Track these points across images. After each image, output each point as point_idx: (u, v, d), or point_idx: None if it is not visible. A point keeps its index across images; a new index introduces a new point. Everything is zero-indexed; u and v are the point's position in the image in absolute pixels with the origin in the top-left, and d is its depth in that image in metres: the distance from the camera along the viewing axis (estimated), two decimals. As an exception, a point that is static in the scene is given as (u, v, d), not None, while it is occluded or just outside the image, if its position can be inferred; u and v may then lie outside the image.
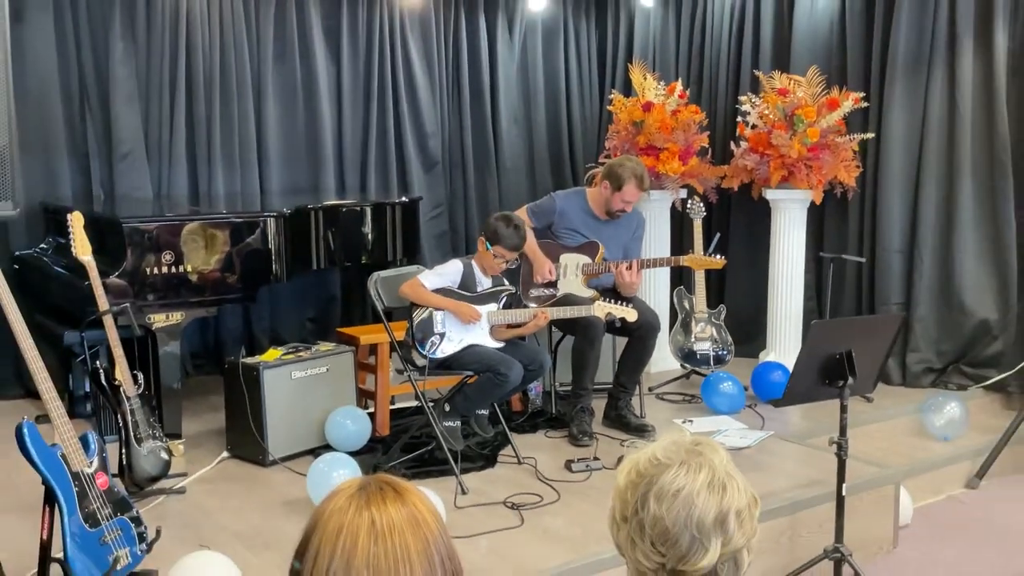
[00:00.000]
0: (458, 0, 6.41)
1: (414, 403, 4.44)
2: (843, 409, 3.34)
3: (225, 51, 5.54)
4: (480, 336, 4.09)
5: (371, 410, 4.47)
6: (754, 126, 5.42)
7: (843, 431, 3.33)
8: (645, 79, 5.75)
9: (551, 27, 6.78)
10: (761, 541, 3.47)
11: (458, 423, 4.15)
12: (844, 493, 3.37)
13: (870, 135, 5.39)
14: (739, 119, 5.62)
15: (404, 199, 5.42)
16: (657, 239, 5.61)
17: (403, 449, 4.16)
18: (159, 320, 4.11)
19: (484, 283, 4.16)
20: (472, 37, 6.48)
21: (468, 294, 4.11)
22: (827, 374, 3.30)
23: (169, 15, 5.34)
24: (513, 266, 4.26)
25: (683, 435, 1.54)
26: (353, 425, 4.17)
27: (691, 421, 4.70)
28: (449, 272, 4.13)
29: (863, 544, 3.72)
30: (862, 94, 5.29)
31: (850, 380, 3.27)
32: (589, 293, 4.48)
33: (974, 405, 4.98)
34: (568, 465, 4.06)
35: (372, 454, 4.17)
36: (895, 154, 5.36)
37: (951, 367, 5.32)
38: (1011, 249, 5.04)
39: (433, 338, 4.02)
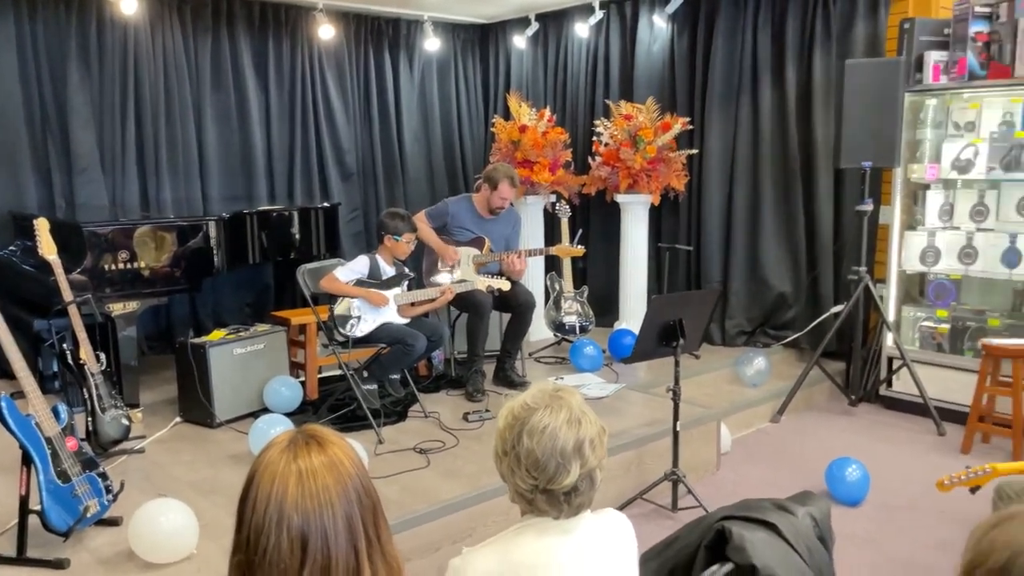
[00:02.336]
0: (367, 40, 6.32)
1: (338, 372, 4.40)
2: (676, 364, 3.45)
3: (168, 79, 5.32)
4: (390, 315, 4.09)
5: (302, 379, 4.41)
6: (606, 144, 5.52)
7: (677, 381, 3.45)
8: (520, 106, 5.79)
9: (444, 63, 6.76)
10: (616, 469, 3.63)
11: (375, 386, 4.15)
12: (678, 429, 3.48)
13: (695, 151, 5.51)
14: (595, 138, 5.68)
15: (325, 204, 5.34)
16: (532, 234, 5.66)
17: (330, 409, 4.13)
18: (117, 308, 3.97)
19: (388, 272, 4.16)
20: (379, 70, 6.40)
21: (375, 282, 4.10)
22: (664, 337, 3.40)
23: (118, 49, 5.10)
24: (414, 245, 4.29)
25: (547, 384, 1.58)
26: (287, 391, 4.11)
27: (562, 378, 4.76)
28: (358, 266, 4.10)
29: (693, 468, 3.85)
30: (688, 119, 5.41)
31: (681, 341, 3.39)
32: (479, 278, 4.52)
33: (776, 359, 5.16)
34: (465, 416, 4.10)
35: (304, 414, 4.12)
36: (714, 165, 5.51)
37: (758, 330, 5.49)
38: (801, 237, 5.23)
39: (352, 321, 3.99)
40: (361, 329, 4.00)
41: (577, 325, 5.24)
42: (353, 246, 6.16)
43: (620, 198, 5.53)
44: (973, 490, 2.65)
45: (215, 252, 4.37)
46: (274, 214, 4.93)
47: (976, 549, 0.98)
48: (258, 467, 1.13)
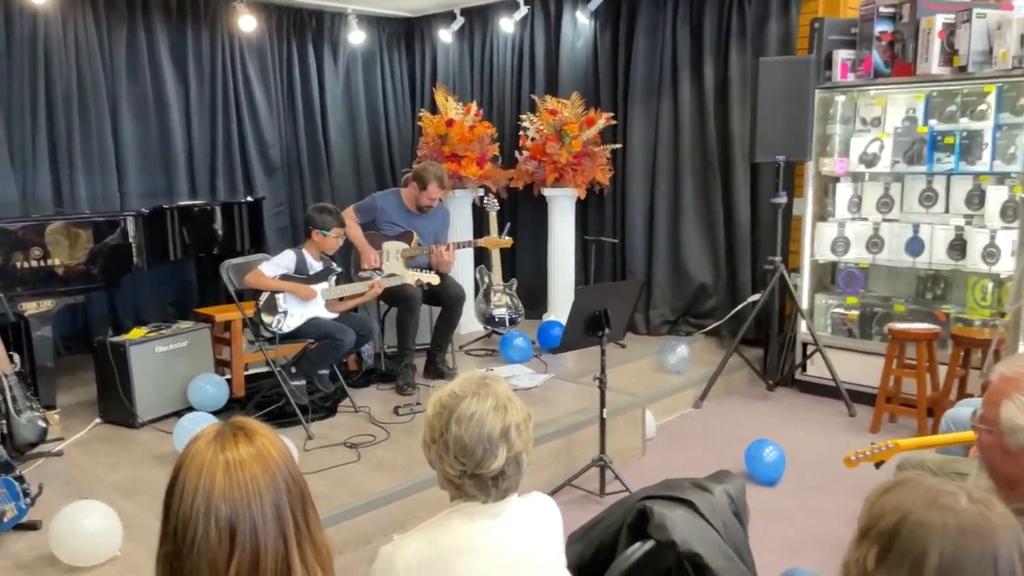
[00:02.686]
0: (290, 31, 6.22)
1: (265, 369, 4.35)
2: (603, 353, 3.53)
3: (82, 71, 5.11)
4: (318, 310, 4.07)
5: (228, 376, 4.34)
6: (533, 138, 5.58)
7: (603, 370, 3.53)
8: (447, 100, 5.80)
9: (369, 57, 6.70)
10: (546, 457, 3.70)
11: (303, 382, 4.12)
12: (605, 416, 3.57)
13: (618, 145, 5.61)
14: (521, 133, 5.74)
15: (249, 199, 5.24)
16: (461, 227, 5.67)
17: (257, 406, 4.08)
18: (31, 308, 3.82)
19: (315, 266, 4.13)
20: (303, 63, 6.30)
21: (303, 277, 4.07)
22: (590, 327, 3.48)
23: (27, 41, 4.88)
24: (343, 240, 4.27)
25: (474, 373, 1.61)
26: (212, 389, 4.04)
27: (492, 370, 4.79)
28: (284, 261, 4.06)
29: (620, 453, 3.95)
30: (612, 114, 5.52)
31: (607, 331, 3.47)
32: (408, 271, 4.51)
33: (698, 346, 5.31)
34: (396, 410, 4.11)
35: (230, 412, 4.05)
36: (636, 160, 5.62)
37: (681, 319, 5.63)
38: (720, 230, 5.40)
39: (278, 316, 3.95)
40: (288, 325, 3.97)
41: (507, 317, 5.29)
42: (279, 241, 6.06)
43: (547, 192, 5.60)
44: (878, 465, 2.82)
45: (134, 249, 4.25)
46: (196, 209, 4.82)
47: (870, 513, 1.06)
48: (185, 458, 1.14)
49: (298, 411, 3.82)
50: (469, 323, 5.52)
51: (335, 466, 3.42)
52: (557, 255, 5.69)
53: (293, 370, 4.11)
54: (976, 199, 4.53)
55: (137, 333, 4.04)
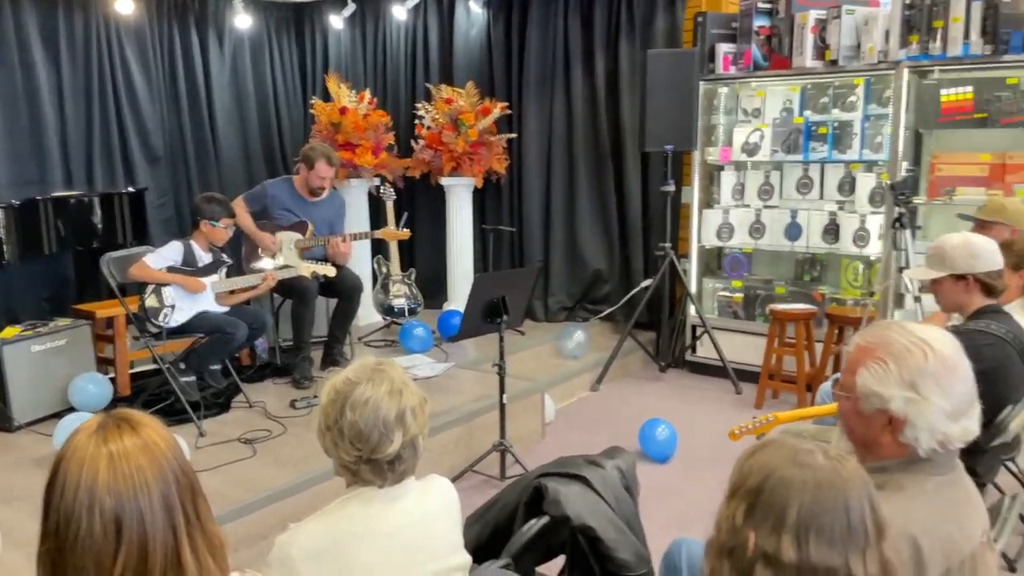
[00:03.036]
0: (171, 15, 5.95)
1: (153, 365, 4.19)
2: (501, 340, 3.59)
3: (-62, 54, 4.78)
4: (207, 303, 3.95)
5: (112, 375, 4.17)
6: (429, 127, 5.57)
7: (502, 356, 3.59)
8: (340, 88, 5.71)
9: (257, 42, 6.50)
10: (448, 443, 3.73)
11: (193, 378, 4.00)
12: (505, 402, 3.63)
13: (513, 135, 5.69)
14: (417, 121, 5.72)
15: (130, 189, 5.03)
16: (358, 218, 5.61)
17: (145, 404, 3.93)
18: None
19: (204, 258, 4.01)
20: (186, 48, 6.05)
21: (191, 269, 3.94)
22: (489, 314, 3.52)
23: None
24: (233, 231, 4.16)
25: (368, 358, 1.62)
26: (95, 388, 3.87)
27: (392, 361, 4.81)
28: (170, 253, 3.92)
29: (520, 438, 4.00)
30: (507, 103, 5.58)
31: (505, 318, 3.53)
32: (303, 263, 4.44)
33: (594, 331, 5.46)
34: (292, 404, 4.05)
35: (115, 412, 3.91)
36: (532, 149, 5.70)
37: (578, 305, 5.76)
38: (613, 217, 5.56)
39: (165, 310, 3.82)
40: (175, 319, 3.84)
41: (406, 307, 5.27)
42: (163, 233, 5.81)
43: (444, 181, 5.61)
44: (759, 438, 2.99)
45: (3, 242, 4.00)
46: (72, 200, 4.59)
47: (739, 472, 1.14)
48: (65, 452, 1.10)
49: (188, 408, 3.71)
50: (368, 314, 5.48)
51: (230, 463, 3.34)
52: (455, 244, 5.72)
53: (182, 366, 3.98)
54: (847, 186, 4.83)
55: (10, 332, 3.82)
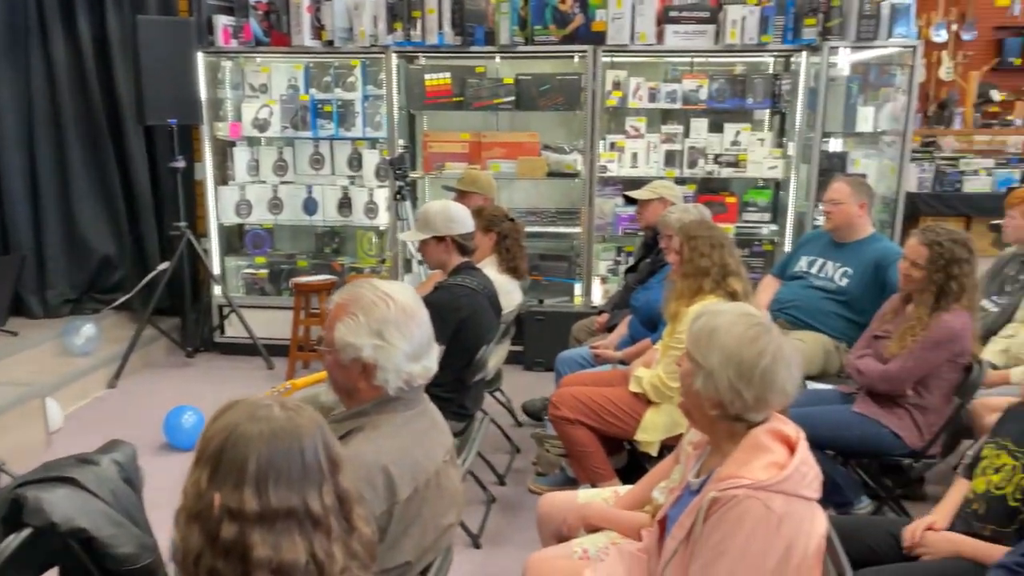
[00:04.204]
0: None
1: None
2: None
3: None
4: None
5: None
6: None
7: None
8: None
9: None
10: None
11: None
12: (-11, 415, 3.19)
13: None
14: None
15: None
16: None
17: None
18: None
19: None
20: None
21: None
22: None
23: None
24: None
25: None
26: None
27: None
28: None
29: (19, 452, 3.46)
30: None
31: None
32: None
33: (108, 323, 5.00)
34: None
35: None
36: (9, 121, 4.91)
37: (85, 296, 5.21)
38: (118, 196, 5.09)
39: None
40: None
41: None
42: None
43: None
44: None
45: None
46: None
47: (203, 439, 1.18)
48: None
49: None
50: None
51: None
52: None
53: None
54: (356, 162, 5.17)
55: None
